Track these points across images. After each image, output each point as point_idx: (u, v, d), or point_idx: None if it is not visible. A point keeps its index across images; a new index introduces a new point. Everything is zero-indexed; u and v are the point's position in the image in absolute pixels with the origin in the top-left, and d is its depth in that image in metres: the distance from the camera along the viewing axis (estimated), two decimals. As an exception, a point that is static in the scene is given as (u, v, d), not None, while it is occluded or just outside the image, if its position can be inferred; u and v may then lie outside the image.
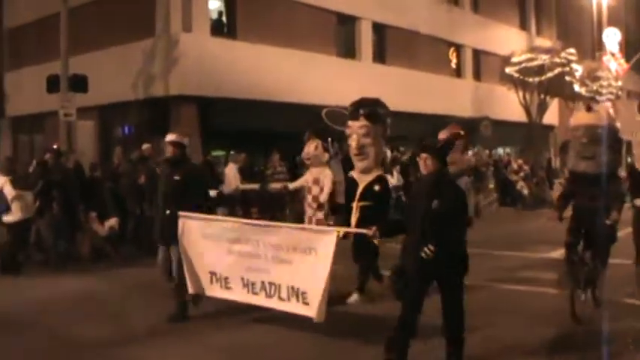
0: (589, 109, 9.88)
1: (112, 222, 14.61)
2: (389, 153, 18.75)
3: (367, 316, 9.38)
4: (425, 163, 6.93)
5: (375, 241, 10.59)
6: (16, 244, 13.21)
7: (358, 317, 9.37)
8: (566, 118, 39.42)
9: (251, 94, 22.58)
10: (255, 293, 8.39)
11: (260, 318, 8.85)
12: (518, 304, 10.25)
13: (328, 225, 10.82)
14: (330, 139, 15.93)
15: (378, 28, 29.93)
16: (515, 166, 29.52)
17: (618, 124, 11.01)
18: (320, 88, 24.64)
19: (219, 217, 9.34)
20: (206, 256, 8.90)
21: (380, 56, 30.22)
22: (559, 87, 34.74)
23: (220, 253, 8.74)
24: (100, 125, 25.03)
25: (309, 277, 7.79)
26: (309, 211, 11.62)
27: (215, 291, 8.90)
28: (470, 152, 32.05)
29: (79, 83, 19.91)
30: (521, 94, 34.63)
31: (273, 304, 8.24)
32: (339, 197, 11.48)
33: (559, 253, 13.26)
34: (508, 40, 37.08)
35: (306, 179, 12.00)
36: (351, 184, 10.42)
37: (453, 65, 35.94)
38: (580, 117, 9.84)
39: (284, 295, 8.06)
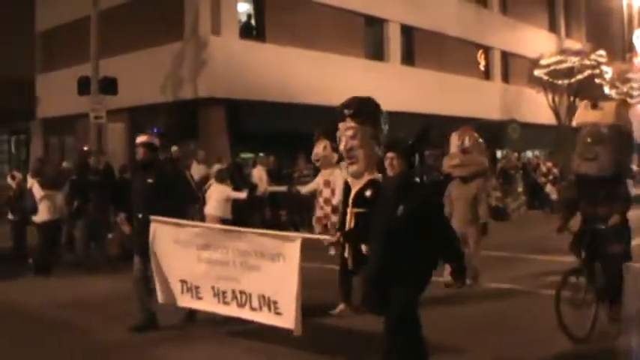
0: (594, 106, 9.15)
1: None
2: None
3: (353, 329, 8.58)
4: (391, 164, 6.26)
5: (332, 251, 10.26)
6: (46, 245, 13.34)
7: (343, 331, 8.63)
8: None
9: (279, 97, 22.66)
10: (226, 303, 7.88)
11: (234, 331, 8.40)
12: (543, 307, 10.09)
13: None
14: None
15: (407, 30, 29.89)
16: (544, 169, 29.29)
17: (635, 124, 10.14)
18: (348, 90, 24.31)
19: (190, 222, 8.66)
20: (177, 263, 8.37)
21: (408, 58, 30.18)
22: (589, 89, 34.42)
23: (191, 261, 8.20)
24: (129, 127, 25.21)
25: (279, 286, 7.29)
26: (318, 212, 11.55)
27: (186, 301, 8.38)
28: (498, 154, 32.22)
29: (109, 86, 20.11)
30: (550, 96, 34.43)
31: (245, 314, 7.73)
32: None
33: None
34: (537, 42, 36.89)
35: (317, 182, 11.89)
36: (345, 189, 9.51)
37: (482, 67, 35.80)
38: (583, 115, 9.31)
39: (255, 304, 7.57)
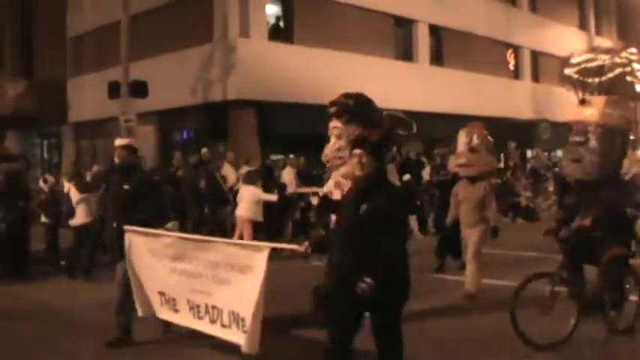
0: (582, 102, 8.36)
1: (171, 225, 14.79)
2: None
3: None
4: (360, 162, 5.75)
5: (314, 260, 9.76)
6: (84, 247, 13.45)
7: (311, 345, 7.69)
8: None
9: (309, 98, 22.63)
10: (200, 317, 7.44)
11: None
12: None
13: None
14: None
15: (435, 30, 29.79)
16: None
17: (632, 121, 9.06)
18: (377, 91, 24.24)
19: (162, 232, 8.13)
20: (154, 274, 8.01)
21: (437, 58, 30.08)
22: (620, 87, 34.08)
23: (166, 272, 7.86)
24: (159, 130, 25.41)
25: (249, 301, 6.74)
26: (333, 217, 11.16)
27: (165, 313, 8.01)
28: (529, 154, 31.98)
29: (139, 89, 20.26)
30: (580, 95, 34.15)
31: (217, 331, 7.25)
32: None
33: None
34: (567, 40, 36.57)
35: (329, 184, 11.38)
36: (324, 198, 8.83)
37: (511, 67, 35.56)
38: (571, 112, 8.57)
39: (226, 321, 7.08)
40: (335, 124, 7.76)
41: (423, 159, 20.76)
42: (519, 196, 23.76)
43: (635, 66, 34.23)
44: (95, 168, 16.65)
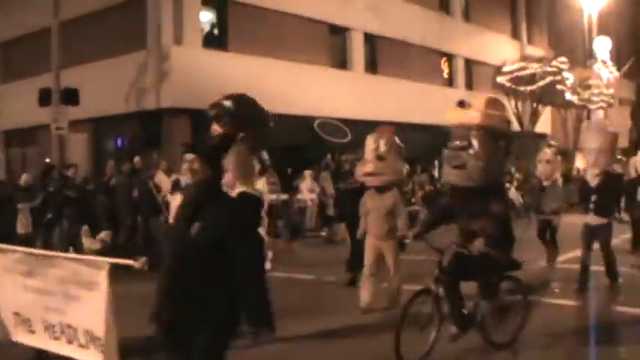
0: (461, 104, 7.54)
1: (104, 235, 14.61)
2: None
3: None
4: (191, 168, 4.99)
5: None
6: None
7: None
8: (559, 127, 39.68)
9: (243, 106, 22.55)
10: (56, 338, 6.83)
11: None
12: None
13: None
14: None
15: (370, 39, 30.01)
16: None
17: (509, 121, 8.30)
18: (312, 99, 24.63)
19: (9, 247, 7.54)
20: (7, 292, 7.32)
21: (372, 66, 30.31)
22: (551, 95, 34.88)
23: (18, 290, 7.18)
24: (92, 138, 25.01)
25: (101, 319, 6.31)
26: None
27: (20, 335, 7.24)
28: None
29: (71, 96, 19.88)
30: (513, 102, 34.72)
31: (75, 352, 6.63)
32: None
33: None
34: (500, 48, 37.21)
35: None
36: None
37: (445, 75, 36.02)
38: (451, 116, 7.68)
39: (83, 340, 6.55)
40: (214, 128, 6.18)
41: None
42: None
43: (566, 74, 34.95)
44: (25, 176, 16.32)
